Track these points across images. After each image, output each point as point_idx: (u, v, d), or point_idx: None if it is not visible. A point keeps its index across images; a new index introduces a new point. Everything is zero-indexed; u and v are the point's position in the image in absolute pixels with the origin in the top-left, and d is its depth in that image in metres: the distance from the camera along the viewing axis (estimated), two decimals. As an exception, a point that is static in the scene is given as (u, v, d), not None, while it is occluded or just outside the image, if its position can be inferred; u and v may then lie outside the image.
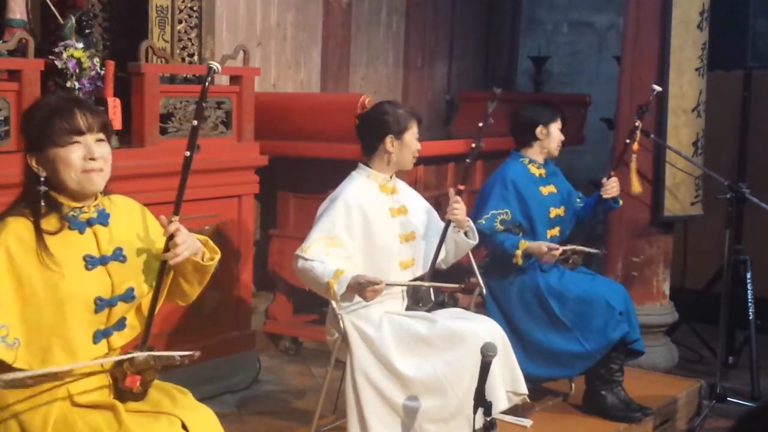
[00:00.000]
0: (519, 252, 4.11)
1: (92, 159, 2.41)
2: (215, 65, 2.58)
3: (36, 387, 2.38)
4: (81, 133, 2.41)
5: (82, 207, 2.47)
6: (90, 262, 2.43)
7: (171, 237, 2.46)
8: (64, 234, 2.42)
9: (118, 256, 2.48)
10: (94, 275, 2.43)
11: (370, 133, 3.67)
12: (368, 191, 3.62)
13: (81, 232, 2.45)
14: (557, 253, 4.09)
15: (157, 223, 2.58)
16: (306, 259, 3.44)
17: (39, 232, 2.37)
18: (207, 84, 2.58)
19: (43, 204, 2.41)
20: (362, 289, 3.31)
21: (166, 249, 2.47)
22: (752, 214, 5.36)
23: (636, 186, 4.78)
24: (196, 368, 3.98)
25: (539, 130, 4.32)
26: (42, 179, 2.41)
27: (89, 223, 2.47)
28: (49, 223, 2.41)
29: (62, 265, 2.38)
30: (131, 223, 2.57)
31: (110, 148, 2.48)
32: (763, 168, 6.24)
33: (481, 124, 3.72)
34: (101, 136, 2.45)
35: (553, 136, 4.33)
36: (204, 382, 4.25)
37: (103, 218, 2.49)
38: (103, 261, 2.45)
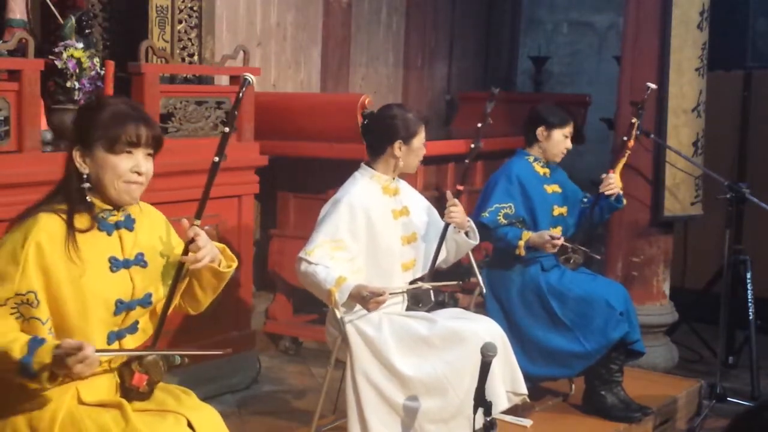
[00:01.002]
0: (522, 243, 4.10)
1: (138, 173, 2.45)
2: (250, 77, 2.65)
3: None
4: (137, 146, 2.45)
5: (112, 210, 2.51)
6: (115, 264, 2.47)
7: (191, 241, 2.49)
8: (93, 234, 2.46)
9: (140, 261, 2.52)
10: (117, 277, 2.47)
11: (378, 136, 3.64)
12: (371, 193, 3.60)
13: (109, 234, 2.49)
14: (559, 242, 4.08)
15: (177, 235, 2.63)
16: (310, 263, 3.42)
17: (71, 228, 2.40)
18: (240, 95, 2.62)
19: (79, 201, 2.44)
20: (365, 300, 3.31)
21: (185, 252, 2.51)
22: (752, 214, 5.36)
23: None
24: (196, 368, 4.00)
25: (540, 131, 4.31)
26: (85, 176, 2.45)
27: (117, 226, 2.51)
28: (81, 221, 2.44)
29: (88, 263, 2.41)
30: (154, 232, 2.61)
31: (152, 163, 2.52)
32: (763, 168, 6.24)
33: (480, 125, 3.72)
34: (151, 151, 2.49)
35: (554, 141, 4.29)
36: (204, 382, 4.25)
37: (129, 223, 2.54)
38: (126, 265, 2.50)
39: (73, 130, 2.53)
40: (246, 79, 2.62)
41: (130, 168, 2.44)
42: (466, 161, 3.77)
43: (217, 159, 2.57)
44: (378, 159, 3.65)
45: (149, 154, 2.48)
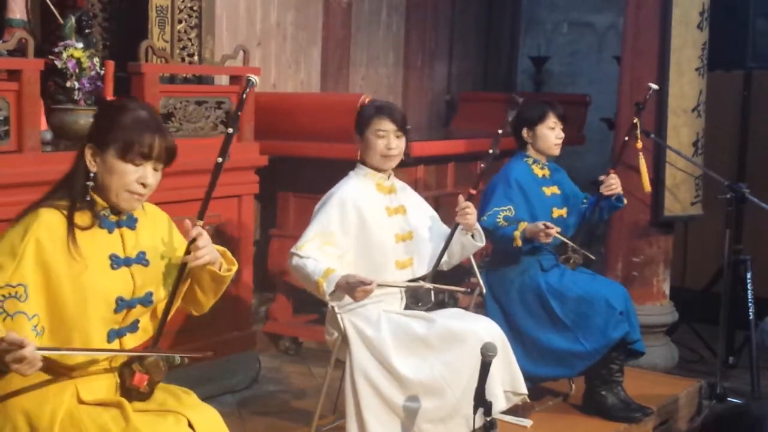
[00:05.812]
0: (517, 233, 4.04)
1: (143, 185, 2.46)
2: (254, 78, 2.67)
3: (44, 383, 2.43)
4: (148, 158, 2.46)
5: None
6: (115, 262, 2.48)
7: (193, 240, 2.51)
8: (94, 231, 2.47)
9: (142, 259, 2.53)
10: (118, 275, 2.48)
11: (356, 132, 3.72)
12: (364, 190, 3.62)
13: (110, 231, 2.50)
14: (553, 231, 3.99)
15: (180, 235, 2.64)
16: (300, 257, 3.45)
17: (71, 226, 2.41)
18: (244, 96, 2.64)
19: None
20: (351, 288, 3.29)
21: (187, 252, 2.52)
22: (752, 214, 5.36)
23: (647, 185, 4.80)
24: (196, 368, 3.99)
25: (525, 133, 4.30)
26: (92, 174, 2.45)
27: (118, 224, 2.52)
28: (83, 218, 2.45)
29: (89, 260, 2.42)
30: (156, 231, 2.62)
31: (160, 176, 2.52)
32: (763, 168, 6.24)
33: (500, 131, 3.70)
34: (161, 165, 2.50)
35: (541, 137, 4.26)
36: (204, 382, 4.25)
37: (131, 222, 2.55)
38: (127, 263, 2.50)
39: (91, 127, 2.54)
40: (249, 80, 2.63)
41: (137, 179, 2.45)
42: (482, 165, 3.75)
43: (220, 159, 2.59)
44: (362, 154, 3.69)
45: (157, 169, 2.49)
